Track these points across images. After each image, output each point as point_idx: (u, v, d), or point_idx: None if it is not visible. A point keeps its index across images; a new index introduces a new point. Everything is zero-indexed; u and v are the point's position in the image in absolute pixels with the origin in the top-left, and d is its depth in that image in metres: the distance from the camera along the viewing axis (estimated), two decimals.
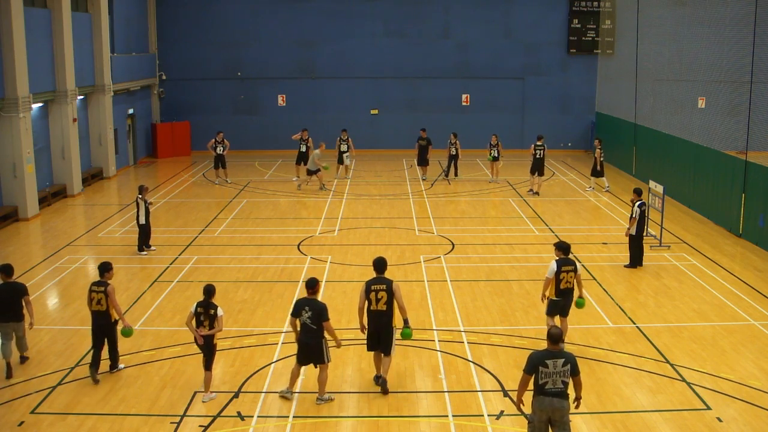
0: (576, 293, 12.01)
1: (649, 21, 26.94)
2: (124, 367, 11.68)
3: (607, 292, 15.18)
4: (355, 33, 33.72)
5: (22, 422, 10.03)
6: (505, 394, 10.77)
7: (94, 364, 11.20)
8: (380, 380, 10.92)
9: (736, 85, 21.47)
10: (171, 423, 10.00)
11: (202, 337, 10.52)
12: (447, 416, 10.21)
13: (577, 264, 12.04)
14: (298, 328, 10.44)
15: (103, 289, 11.21)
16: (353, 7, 33.58)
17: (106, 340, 11.35)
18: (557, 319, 11.94)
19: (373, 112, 34.32)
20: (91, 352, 11.39)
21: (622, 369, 11.63)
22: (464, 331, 13.06)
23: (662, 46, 25.94)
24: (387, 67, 33.84)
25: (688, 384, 11.14)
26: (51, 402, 10.62)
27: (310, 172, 25.34)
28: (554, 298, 11.84)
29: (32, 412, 10.31)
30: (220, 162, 26.54)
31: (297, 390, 10.81)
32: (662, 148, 24.86)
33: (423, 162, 27.06)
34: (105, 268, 11.54)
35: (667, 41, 25.63)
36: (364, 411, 10.38)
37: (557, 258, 11.91)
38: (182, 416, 10.16)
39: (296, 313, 10.42)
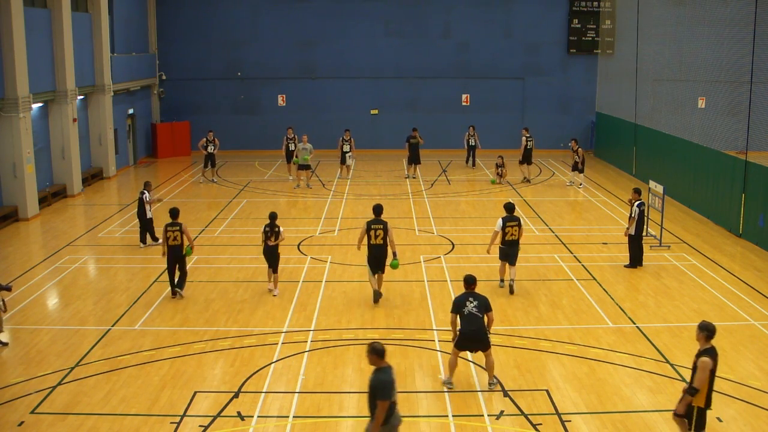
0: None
1: (649, 21, 26.94)
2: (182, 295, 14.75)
3: (607, 292, 15.18)
4: (355, 33, 33.70)
5: (22, 422, 10.03)
6: (505, 394, 10.77)
7: (173, 286, 14.72)
8: (378, 294, 14.42)
9: (736, 85, 21.47)
10: (171, 423, 10.00)
11: (271, 246, 14.79)
12: (447, 416, 10.21)
13: (521, 220, 15.18)
14: (458, 325, 10.83)
15: (177, 228, 14.58)
16: (353, 7, 33.57)
17: (178, 267, 14.68)
18: (507, 267, 15.13)
19: (373, 112, 34.31)
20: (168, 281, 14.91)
21: (622, 369, 11.63)
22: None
23: (662, 46, 25.93)
24: (387, 67, 33.83)
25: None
26: (51, 402, 10.62)
27: (302, 167, 25.48)
28: (501, 246, 15.02)
29: (32, 412, 10.31)
30: (210, 161, 26.77)
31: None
32: (662, 148, 24.87)
33: (415, 160, 27.62)
34: (177, 212, 14.97)
35: (667, 41, 25.63)
36: (364, 411, 10.34)
37: (503, 216, 15.00)
38: (182, 416, 10.17)
39: (458, 308, 10.83)
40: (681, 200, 23.12)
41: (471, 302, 10.83)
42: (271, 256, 14.98)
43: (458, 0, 33.53)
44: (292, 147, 26.98)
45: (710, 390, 8.74)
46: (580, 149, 25.64)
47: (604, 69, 32.57)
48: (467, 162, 30.34)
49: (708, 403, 8.79)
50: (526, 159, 27.07)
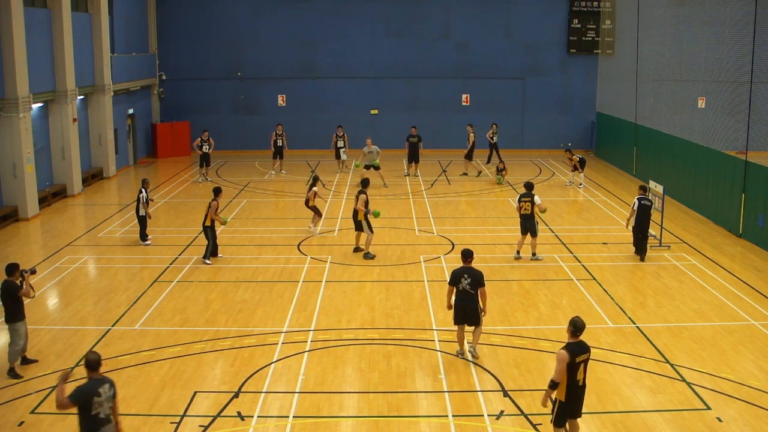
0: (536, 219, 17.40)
1: (649, 21, 26.93)
2: (210, 264, 17.00)
3: (607, 292, 15.18)
4: (355, 33, 33.70)
5: (22, 422, 10.04)
6: (505, 394, 10.78)
7: (207, 256, 17.24)
8: (356, 248, 17.78)
9: (736, 85, 21.45)
10: (171, 423, 10.00)
11: (307, 201, 19.42)
12: (447, 416, 10.21)
13: (535, 197, 17.12)
14: (454, 295, 11.81)
15: (209, 203, 17.18)
16: (353, 7, 33.56)
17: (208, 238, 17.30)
18: (528, 239, 17.32)
19: (373, 112, 34.30)
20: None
21: (622, 369, 11.63)
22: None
23: (662, 46, 25.92)
24: (387, 67, 33.82)
25: (688, 384, 11.14)
26: (51, 402, 10.61)
27: (367, 167, 25.76)
28: (520, 219, 17.29)
29: (32, 412, 10.32)
30: (204, 160, 27.00)
31: (464, 349, 11.99)
32: (662, 148, 24.87)
33: (414, 159, 27.98)
34: (219, 190, 17.73)
35: (667, 41, 25.62)
36: (364, 411, 10.38)
37: (521, 193, 17.50)
38: (182, 416, 10.17)
39: (455, 281, 11.74)
40: (681, 200, 23.12)
41: (465, 279, 11.66)
42: (311, 208, 19.48)
43: (458, 0, 33.53)
44: (280, 143, 28.10)
45: (570, 384, 8.65)
46: (575, 156, 26.07)
47: (604, 69, 32.55)
48: (489, 161, 29.94)
49: (569, 398, 8.73)
50: (470, 155, 28.13)
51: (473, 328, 11.94)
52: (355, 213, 17.46)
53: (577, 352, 8.68)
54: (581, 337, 8.84)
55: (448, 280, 12.02)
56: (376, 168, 25.67)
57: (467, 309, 11.72)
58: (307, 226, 19.92)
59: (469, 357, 11.91)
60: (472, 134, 28.14)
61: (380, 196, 24.53)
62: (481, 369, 11.57)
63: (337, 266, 16.98)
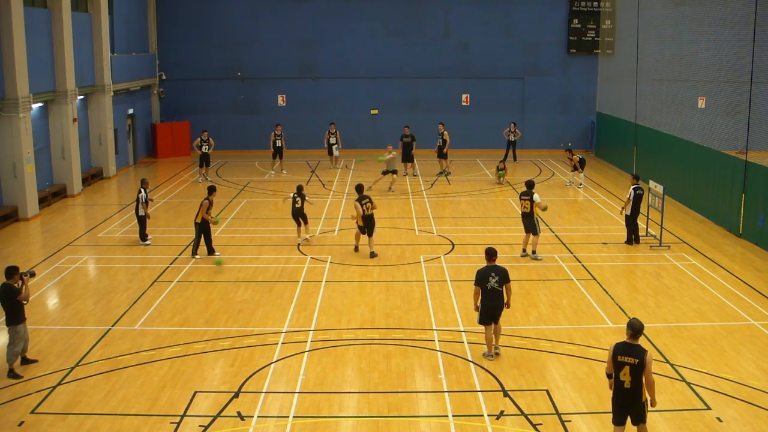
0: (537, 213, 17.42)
1: (649, 21, 26.93)
2: (219, 255, 17.53)
3: (607, 292, 15.18)
4: (355, 33, 33.70)
5: (22, 422, 10.03)
6: (505, 394, 10.78)
7: (194, 251, 17.56)
8: (371, 254, 17.47)
9: (736, 85, 21.44)
10: (171, 423, 10.00)
11: (298, 208, 18.44)
12: (447, 416, 10.21)
13: (535, 195, 17.16)
14: (481, 296, 11.79)
15: (201, 201, 17.47)
16: (353, 7, 33.56)
17: (202, 235, 17.52)
18: (531, 236, 17.39)
19: (373, 112, 34.29)
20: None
21: None
22: (464, 331, 13.06)
23: (662, 46, 25.91)
24: (387, 67, 33.81)
25: (688, 384, 11.14)
26: (51, 402, 10.62)
27: (386, 172, 25.55)
28: (521, 218, 17.53)
29: (32, 412, 10.31)
30: (204, 160, 27.05)
31: (496, 349, 12.09)
32: (662, 148, 24.87)
33: (408, 159, 28.06)
34: (213, 188, 18.04)
35: (667, 41, 25.61)
36: (364, 411, 10.38)
37: (521, 191, 17.66)
38: (182, 416, 10.17)
39: (482, 281, 11.76)
40: (681, 200, 23.12)
41: (493, 277, 11.73)
42: (301, 217, 18.66)
43: (458, 0, 33.53)
44: (279, 143, 28.23)
45: (615, 381, 8.75)
46: (575, 156, 26.15)
47: (604, 69, 32.55)
48: (515, 159, 31.02)
49: (614, 395, 8.80)
50: (444, 153, 28.23)
51: (496, 326, 12.07)
52: (362, 216, 17.34)
53: (621, 350, 8.64)
54: (641, 342, 8.78)
55: (474, 280, 11.84)
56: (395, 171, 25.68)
57: (496, 308, 11.81)
58: (301, 238, 18.85)
59: (495, 353, 12.01)
60: (446, 132, 28.11)
61: (379, 196, 24.55)
62: (481, 369, 11.56)
63: (337, 266, 16.98)
